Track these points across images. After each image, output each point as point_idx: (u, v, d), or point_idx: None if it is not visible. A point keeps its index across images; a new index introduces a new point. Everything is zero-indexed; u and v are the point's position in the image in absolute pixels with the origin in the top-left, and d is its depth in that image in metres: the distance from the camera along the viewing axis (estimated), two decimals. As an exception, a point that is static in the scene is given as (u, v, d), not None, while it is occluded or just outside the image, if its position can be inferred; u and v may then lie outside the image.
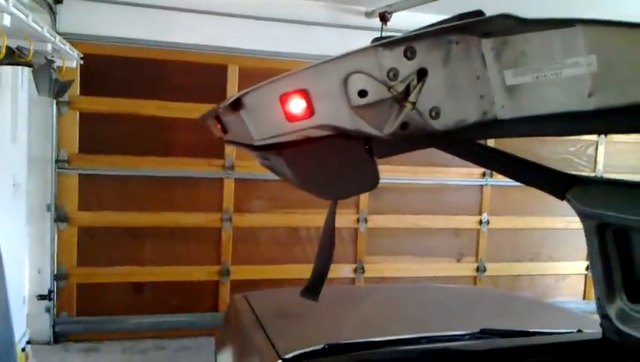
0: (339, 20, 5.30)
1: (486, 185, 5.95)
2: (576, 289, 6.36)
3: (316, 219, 5.27)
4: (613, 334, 2.01)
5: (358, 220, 5.64)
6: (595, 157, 6.27)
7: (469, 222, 5.97)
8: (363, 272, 5.67)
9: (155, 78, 5.10)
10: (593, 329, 2.34)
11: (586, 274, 6.30)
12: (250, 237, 5.43)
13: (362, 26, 5.27)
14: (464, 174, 5.82)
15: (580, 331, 2.45)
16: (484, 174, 5.91)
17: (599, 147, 6.27)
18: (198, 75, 5.15)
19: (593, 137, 6.21)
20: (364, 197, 5.57)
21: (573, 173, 2.07)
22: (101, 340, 5.01)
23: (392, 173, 5.34)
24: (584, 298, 6.35)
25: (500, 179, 5.81)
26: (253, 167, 4.97)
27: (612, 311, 1.97)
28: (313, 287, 1.71)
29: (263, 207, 5.44)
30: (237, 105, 1.33)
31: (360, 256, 5.69)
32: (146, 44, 4.96)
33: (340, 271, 5.57)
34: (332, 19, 5.29)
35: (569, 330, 2.48)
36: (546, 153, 5.89)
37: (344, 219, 5.53)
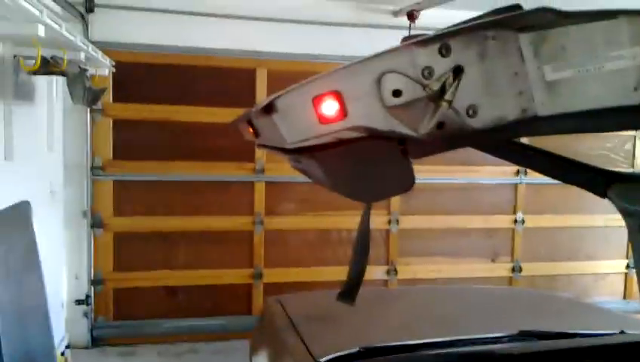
0: (366, 20, 5.27)
1: (520, 183, 5.84)
2: (616, 289, 6.19)
3: (347, 221, 5.25)
4: (659, 335, 1.94)
5: (389, 221, 5.60)
6: (634, 152, 6.09)
7: (503, 221, 5.87)
8: (396, 274, 5.63)
9: (185, 83, 5.16)
10: (635, 329, 2.27)
11: (626, 273, 6.12)
12: (282, 240, 5.43)
13: (390, 25, 5.23)
14: (497, 173, 5.72)
15: (622, 332, 2.37)
16: (517, 172, 5.80)
17: (637, 142, 6.09)
18: (227, 80, 5.19)
19: (630, 132, 6.04)
20: (395, 198, 5.52)
21: (614, 169, 2.01)
22: (137, 344, 5.08)
23: (423, 173, 5.24)
24: (624, 297, 6.17)
25: (535, 177, 5.70)
26: (284, 170, 5.02)
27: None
28: (349, 291, 1.69)
29: (293, 209, 5.44)
30: (269, 108, 1.32)
31: (392, 258, 5.64)
32: (175, 50, 5.02)
33: (372, 273, 5.53)
34: (359, 19, 5.27)
35: (611, 331, 2.41)
36: (582, 149, 5.75)
37: (375, 221, 5.47)
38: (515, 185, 5.86)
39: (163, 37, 4.97)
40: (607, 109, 1.16)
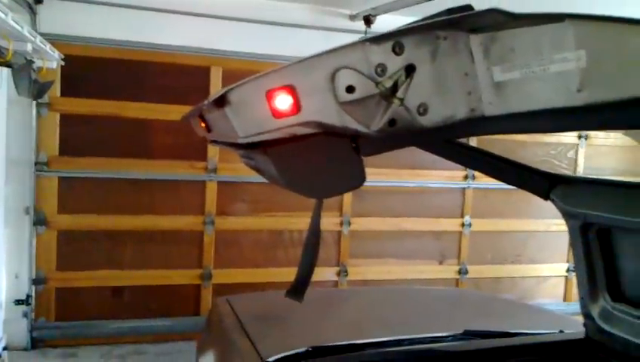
0: (323, 23, 5.30)
1: (468, 187, 5.98)
2: (557, 291, 6.42)
3: (299, 222, 5.25)
4: (596, 333, 2.02)
5: (341, 223, 5.63)
6: (576, 160, 6.34)
7: (451, 224, 6.00)
8: (346, 275, 5.66)
9: (137, 79, 5.05)
10: (574, 329, 2.36)
11: (566, 276, 6.36)
12: (233, 240, 5.38)
13: (346, 29, 5.28)
14: (446, 177, 5.85)
15: (561, 332, 2.46)
16: (466, 177, 5.95)
17: (579, 149, 6.35)
18: (180, 77, 5.11)
19: (574, 140, 6.30)
20: (347, 200, 5.57)
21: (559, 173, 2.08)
22: (80, 345, 4.92)
23: (375, 175, 5.34)
24: (565, 299, 6.41)
25: (482, 182, 5.86)
26: (237, 170, 4.97)
27: (595, 311, 1.98)
28: (298, 288, 1.69)
29: (246, 210, 5.40)
30: (222, 101, 1.31)
31: (343, 259, 5.68)
32: (127, 45, 4.91)
33: (323, 274, 5.54)
34: (316, 21, 5.29)
35: (551, 331, 2.49)
36: (527, 155, 5.94)
37: (327, 222, 5.50)
38: (463, 190, 6.00)
39: (115, 31, 4.84)
40: (553, 110, 1.19)
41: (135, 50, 4.94)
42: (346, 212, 5.62)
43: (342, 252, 5.68)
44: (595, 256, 1.95)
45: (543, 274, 6.33)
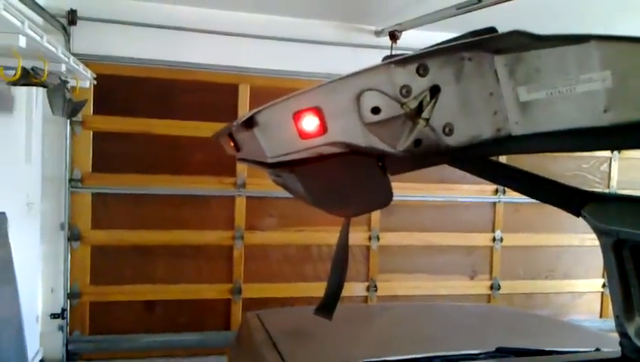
0: (349, 39, 5.34)
1: (499, 202, 5.91)
2: (593, 307, 6.26)
3: (327, 236, 5.26)
4: (632, 352, 1.97)
5: (369, 238, 5.61)
6: (609, 174, 6.21)
7: (482, 239, 5.92)
8: (376, 290, 5.63)
9: (167, 97, 5.15)
10: (611, 347, 2.30)
11: (602, 292, 6.20)
12: (262, 255, 5.41)
13: (372, 45, 5.31)
14: (476, 191, 5.79)
15: (597, 350, 2.41)
16: (496, 191, 5.87)
17: (613, 163, 6.22)
18: (209, 94, 5.20)
19: (606, 153, 6.17)
20: (375, 215, 5.55)
21: (589, 189, 2.05)
22: (113, 359, 5.00)
23: (403, 190, 5.33)
24: (601, 316, 6.24)
25: (513, 196, 5.78)
26: (265, 185, 5.02)
27: (631, 329, 1.93)
28: (327, 305, 1.69)
29: (274, 224, 5.43)
30: (250, 122, 1.34)
31: (372, 274, 5.65)
32: (157, 64, 5.02)
33: (352, 289, 5.53)
34: (342, 38, 5.33)
35: (587, 349, 2.44)
36: (558, 170, 5.85)
37: (356, 237, 5.50)
38: (494, 204, 5.93)
39: (145, 50, 4.97)
40: (578, 130, 1.19)
41: (164, 69, 5.05)
42: (375, 226, 5.61)
43: (371, 267, 5.65)
44: (630, 273, 1.91)
45: (577, 289, 6.19)
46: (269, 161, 1.40)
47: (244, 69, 5.20)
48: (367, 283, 5.64)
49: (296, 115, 1.27)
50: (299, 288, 5.34)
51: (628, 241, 1.87)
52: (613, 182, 6.19)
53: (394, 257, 5.71)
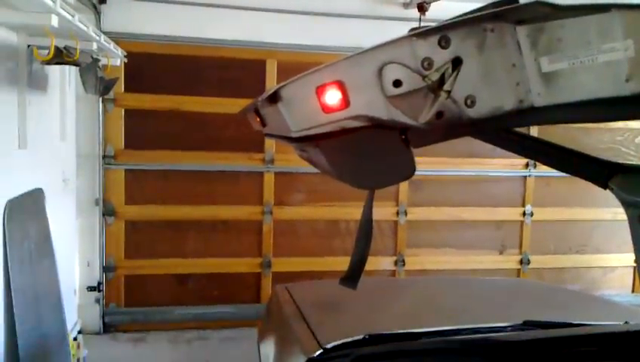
0: (376, 12, 5.28)
1: (529, 175, 5.84)
2: (625, 282, 6.18)
3: (355, 212, 5.22)
4: (659, 325, 1.96)
5: (397, 213, 5.62)
6: (645, 146, 6.07)
7: (512, 213, 5.88)
8: (403, 265, 5.66)
9: (196, 74, 5.21)
10: (642, 321, 2.29)
11: (634, 267, 6.11)
12: (291, 229, 5.49)
13: (400, 17, 5.24)
14: (506, 165, 5.73)
15: (627, 323, 2.39)
16: (527, 165, 5.80)
17: (648, 135, 6.07)
18: (237, 71, 5.23)
19: (641, 125, 6.02)
20: (403, 190, 5.55)
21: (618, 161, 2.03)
22: (148, 330, 5.18)
23: (432, 164, 5.31)
24: (633, 291, 6.16)
25: (544, 170, 5.70)
26: (293, 161, 5.06)
27: (658, 302, 1.92)
28: (351, 276, 1.73)
29: (302, 200, 5.49)
30: (274, 98, 1.36)
31: (400, 249, 5.68)
32: (186, 41, 5.08)
33: (380, 263, 5.57)
34: (369, 10, 5.28)
35: (616, 322, 2.42)
36: (592, 142, 5.74)
37: (384, 212, 5.53)
38: (524, 178, 5.86)
39: (174, 28, 5.02)
40: (601, 100, 1.18)
41: (193, 46, 5.11)
42: (403, 201, 5.61)
43: (399, 241, 5.68)
44: (657, 246, 1.89)
45: (609, 264, 6.11)
46: (294, 135, 1.42)
47: (270, 44, 5.21)
48: (395, 258, 5.67)
49: (319, 89, 1.29)
50: (327, 262, 5.40)
51: (655, 213, 1.85)
52: (649, 155, 6.05)
53: (422, 232, 5.71)
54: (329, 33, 5.21)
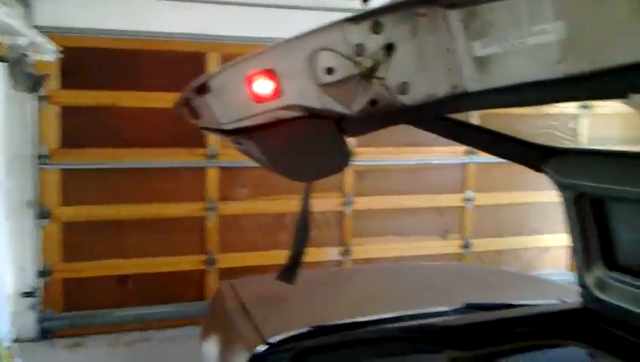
0: (321, 3, 5.22)
1: (470, 162, 5.97)
2: (560, 261, 6.42)
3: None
4: (592, 302, 2.03)
5: (343, 203, 5.63)
6: (577, 130, 6.30)
7: (453, 199, 5.99)
8: (350, 254, 5.69)
9: (134, 68, 5.04)
10: (575, 299, 2.37)
11: (568, 246, 6.33)
12: (236, 225, 5.41)
13: (343, 8, 5.18)
14: (447, 153, 5.83)
15: (562, 301, 2.47)
16: (467, 152, 5.92)
17: (581, 119, 6.29)
18: (177, 64, 5.08)
19: (575, 110, 6.24)
20: (349, 180, 5.56)
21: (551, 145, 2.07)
22: (87, 334, 4.98)
23: (376, 154, 5.35)
24: (568, 269, 6.42)
25: (484, 157, 5.73)
26: (237, 155, 4.90)
27: (590, 280, 1.99)
28: (289, 271, 1.70)
29: (247, 194, 5.41)
30: (203, 89, 1.31)
31: (346, 239, 5.69)
32: (123, 35, 4.89)
33: (326, 254, 5.57)
34: (313, 2, 5.22)
35: (551, 301, 2.50)
36: (527, 128, 5.91)
37: (329, 203, 5.52)
38: (465, 165, 5.98)
39: (111, 21, 4.82)
40: (533, 83, 1.18)
41: (131, 39, 4.92)
42: (348, 192, 5.62)
43: (345, 231, 5.69)
44: (589, 226, 1.95)
45: (545, 244, 6.33)
46: (225, 127, 1.38)
47: (212, 36, 5.09)
48: (341, 248, 5.68)
49: (249, 79, 1.25)
50: (274, 256, 5.34)
51: (588, 195, 1.91)
52: (582, 138, 6.28)
53: (367, 221, 5.75)
54: (272, 25, 5.12)
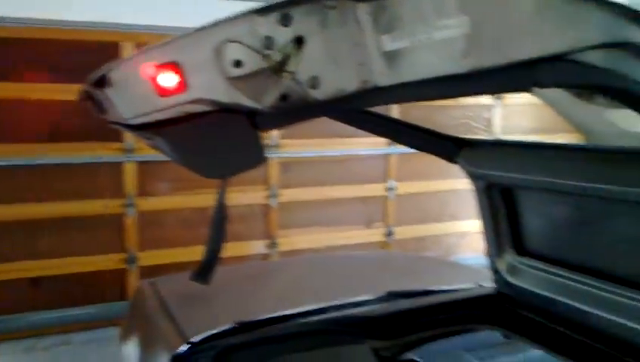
0: (236, -8, 5.14)
1: (391, 153, 6.08)
2: (477, 246, 6.67)
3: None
4: (504, 287, 2.12)
5: (269, 196, 5.60)
6: (492, 120, 6.56)
7: (376, 189, 6.10)
8: (276, 247, 5.67)
9: (43, 59, 4.77)
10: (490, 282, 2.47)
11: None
12: (158, 221, 5.25)
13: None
14: (370, 144, 5.91)
15: (480, 285, 2.56)
16: (389, 143, 6.03)
17: (494, 110, 6.56)
18: (89, 55, 4.80)
19: (489, 101, 6.49)
20: (274, 172, 5.52)
21: (464, 136, 2.13)
22: (2, 341, 4.70)
23: (300, 147, 5.34)
24: (484, 254, 6.69)
25: (405, 147, 5.95)
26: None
27: (502, 266, 2.07)
28: (204, 270, 1.65)
29: (168, 189, 5.27)
30: (102, 82, 1.24)
31: (272, 231, 5.67)
32: (31, 23, 4.59)
33: (252, 247, 5.53)
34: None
35: (470, 286, 2.59)
36: (444, 119, 6.09)
37: (254, 196, 5.48)
38: (387, 155, 6.10)
39: (16, 8, 4.50)
40: (441, 78, 1.19)
41: (39, 28, 4.63)
42: (273, 184, 5.59)
43: (271, 224, 5.66)
44: (500, 214, 2.03)
45: (463, 229, 6.56)
46: (129, 122, 1.31)
47: (126, 25, 4.86)
48: (267, 241, 5.65)
49: (151, 71, 1.19)
50: (198, 252, 5.19)
51: (497, 184, 1.98)
52: (496, 129, 6.55)
53: (293, 213, 5.75)
54: (195, 15, 4.94)
